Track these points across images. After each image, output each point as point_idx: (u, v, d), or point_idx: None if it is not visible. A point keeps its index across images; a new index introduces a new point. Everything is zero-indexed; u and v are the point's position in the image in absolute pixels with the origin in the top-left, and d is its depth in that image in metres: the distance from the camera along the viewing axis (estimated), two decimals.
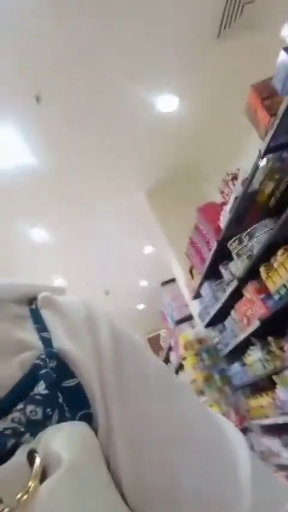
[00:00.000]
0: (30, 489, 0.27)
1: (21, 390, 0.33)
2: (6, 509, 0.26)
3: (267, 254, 2.86)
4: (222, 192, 3.16)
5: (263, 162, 2.63)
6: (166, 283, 6.12)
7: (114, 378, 0.36)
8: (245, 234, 3.04)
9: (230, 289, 3.43)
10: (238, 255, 3.19)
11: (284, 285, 2.73)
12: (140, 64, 3.82)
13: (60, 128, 4.14)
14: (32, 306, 0.42)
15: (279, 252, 2.69)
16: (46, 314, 0.40)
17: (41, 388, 0.33)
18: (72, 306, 0.41)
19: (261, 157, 2.48)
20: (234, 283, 3.35)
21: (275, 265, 2.78)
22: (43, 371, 0.34)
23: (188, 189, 5.23)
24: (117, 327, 0.40)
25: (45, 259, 6.25)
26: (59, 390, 0.34)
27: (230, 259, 3.39)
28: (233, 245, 3.21)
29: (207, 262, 3.74)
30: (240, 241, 3.11)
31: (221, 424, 0.39)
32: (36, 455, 0.28)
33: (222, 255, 3.49)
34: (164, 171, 5.27)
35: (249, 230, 3.00)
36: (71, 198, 5.26)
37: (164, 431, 0.35)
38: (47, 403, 0.32)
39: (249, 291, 3.18)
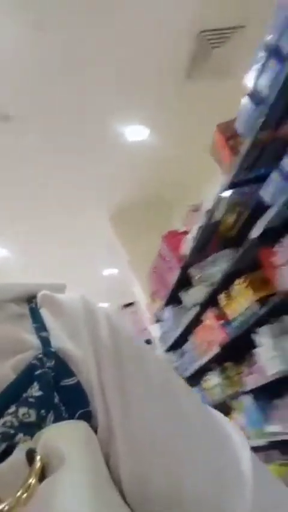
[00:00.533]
0: (31, 487, 0.27)
1: (14, 392, 0.33)
2: (6, 508, 0.26)
3: (226, 282, 3.00)
4: (185, 222, 3.30)
5: (225, 195, 2.79)
6: (127, 306, 6.18)
7: (115, 376, 0.36)
8: (206, 262, 3.17)
9: (190, 315, 3.54)
10: (199, 282, 3.31)
11: (242, 313, 2.86)
12: (112, 95, 3.97)
13: (29, 146, 4.18)
14: (32, 305, 0.41)
15: (238, 281, 2.83)
16: (45, 313, 0.40)
17: (34, 389, 0.33)
18: (72, 303, 0.41)
19: (223, 191, 2.64)
20: (195, 310, 3.46)
21: (234, 293, 2.92)
22: (38, 372, 0.34)
23: (153, 216, 5.38)
24: (116, 325, 0.40)
25: (3, 278, 6.13)
26: (56, 390, 0.34)
27: (191, 286, 3.51)
28: (194, 272, 3.33)
29: (169, 288, 3.84)
30: (202, 269, 3.24)
31: (223, 423, 0.39)
32: (36, 454, 0.28)
33: (184, 282, 3.61)
34: (130, 197, 5.40)
35: (210, 259, 3.14)
36: (33, 217, 5.27)
37: (166, 430, 0.35)
38: (41, 405, 0.32)
39: (209, 317, 3.30)
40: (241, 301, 2.83)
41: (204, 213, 3.02)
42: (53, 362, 0.35)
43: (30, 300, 0.42)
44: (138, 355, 0.39)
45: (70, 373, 0.35)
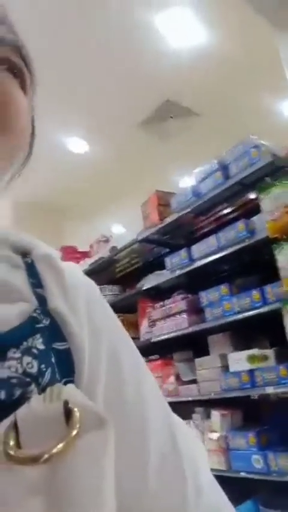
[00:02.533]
0: (72, 438, 0.25)
1: (19, 335, 0.31)
2: (46, 455, 0.25)
3: None
4: (91, 246, 3.63)
5: (134, 243, 3.23)
6: None
7: (109, 365, 0.36)
8: None
9: None
10: None
11: None
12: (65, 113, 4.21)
13: None
14: (27, 260, 0.39)
15: None
16: (43, 271, 0.38)
17: (38, 341, 0.32)
18: (75, 274, 0.40)
19: (137, 241, 3.08)
20: None
21: None
22: (40, 325, 0.33)
23: (50, 222, 5.58)
24: (111, 312, 0.41)
25: None
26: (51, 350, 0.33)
27: None
28: None
29: None
30: None
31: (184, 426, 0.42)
32: (72, 407, 0.27)
33: None
34: (39, 194, 5.52)
35: (98, 287, 3.50)
36: None
37: (142, 421, 0.37)
38: (43, 359, 0.31)
39: None
40: None
41: (110, 248, 3.41)
42: (48, 321, 0.34)
43: (25, 254, 0.40)
44: (131, 346, 0.41)
45: (63, 338, 0.34)
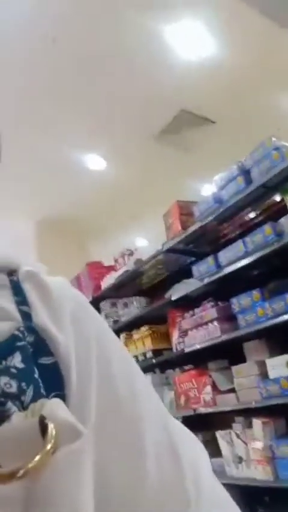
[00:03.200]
0: (48, 454, 0.25)
1: None
2: (22, 471, 0.25)
3: (132, 325, 3.38)
4: (116, 260, 3.65)
5: (159, 254, 3.23)
6: None
7: (99, 368, 0.37)
8: (121, 301, 3.53)
9: None
10: (106, 316, 3.64)
11: (136, 356, 3.25)
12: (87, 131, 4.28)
13: None
14: (13, 278, 0.39)
15: (143, 328, 3.24)
16: (28, 289, 0.38)
17: (16, 360, 0.32)
18: (59, 288, 0.40)
19: (161, 251, 3.08)
20: None
21: (135, 336, 3.31)
22: (21, 343, 0.33)
23: (74, 239, 5.64)
24: (104, 325, 0.41)
25: None
26: (35, 366, 0.33)
27: None
28: (105, 306, 3.66)
29: None
30: (113, 305, 3.59)
31: (183, 427, 0.42)
32: (48, 422, 0.27)
33: None
34: (60, 212, 5.60)
35: (123, 300, 3.51)
36: None
37: (137, 421, 0.37)
38: (22, 377, 0.31)
39: None
40: (139, 345, 3.23)
41: (135, 260, 3.41)
42: (33, 338, 0.34)
43: (11, 273, 0.40)
44: (123, 355, 0.41)
45: (49, 353, 0.35)
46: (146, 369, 3.23)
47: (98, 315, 0.42)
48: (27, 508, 0.25)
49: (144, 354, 3.20)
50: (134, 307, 3.43)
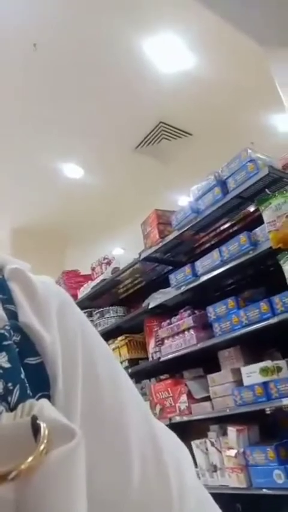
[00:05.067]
0: (41, 455, 0.25)
1: None
2: (14, 473, 0.24)
3: (109, 335, 3.36)
4: (93, 269, 3.63)
5: (136, 263, 3.24)
6: None
7: (85, 369, 0.37)
8: (97, 310, 3.51)
9: None
10: None
11: None
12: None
13: None
14: None
15: (120, 338, 3.22)
16: (14, 287, 0.38)
17: (2, 359, 0.32)
18: (46, 287, 0.40)
19: (138, 260, 3.09)
20: None
21: (112, 346, 3.28)
22: (7, 342, 0.33)
23: (50, 247, 5.59)
24: (85, 318, 0.41)
25: None
26: (21, 366, 0.33)
27: None
28: None
29: None
30: (90, 315, 3.56)
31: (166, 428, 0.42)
32: (40, 422, 0.27)
33: None
34: (37, 220, 5.56)
35: (102, 309, 3.49)
36: None
37: (122, 426, 0.37)
38: (9, 377, 0.31)
39: None
40: (115, 355, 3.20)
41: (113, 269, 3.41)
42: (19, 337, 0.34)
43: None
44: (108, 356, 0.40)
45: (35, 353, 0.34)
46: None
47: (81, 312, 0.42)
48: (20, 511, 0.24)
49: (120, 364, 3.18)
50: (111, 316, 3.42)
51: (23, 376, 0.32)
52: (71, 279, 3.87)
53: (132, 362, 3.13)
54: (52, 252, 5.45)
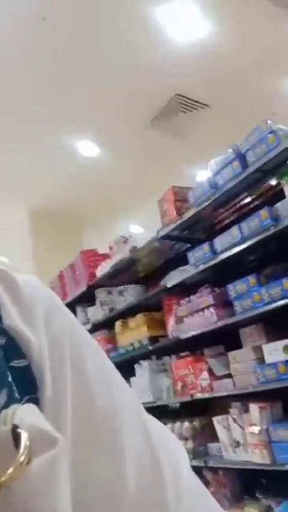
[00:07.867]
0: (22, 465, 0.24)
1: None
2: None
3: (127, 313, 3.37)
4: (110, 248, 3.62)
5: (154, 241, 3.20)
6: None
7: (74, 370, 0.35)
8: (114, 289, 3.51)
9: None
10: (101, 304, 3.62)
11: (132, 343, 3.25)
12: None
13: None
14: None
15: (139, 316, 3.23)
16: None
17: None
18: (31, 287, 0.38)
19: (156, 238, 3.05)
20: (86, 327, 3.74)
21: (131, 324, 3.30)
22: None
23: (67, 227, 5.59)
24: (77, 324, 0.40)
25: None
26: (7, 369, 0.32)
27: (90, 304, 3.80)
28: (100, 294, 3.64)
29: (68, 299, 4.06)
30: (109, 293, 3.56)
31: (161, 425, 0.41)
32: (21, 431, 0.26)
33: (85, 298, 3.87)
34: (54, 201, 5.54)
35: (120, 288, 3.48)
36: None
37: (115, 425, 0.35)
38: None
39: (97, 338, 3.60)
40: (136, 332, 3.22)
41: (131, 247, 3.39)
42: (4, 340, 0.33)
43: None
44: (97, 355, 0.39)
45: (21, 355, 0.33)
46: (143, 355, 3.23)
47: (70, 314, 0.40)
48: None
49: (140, 341, 3.19)
50: (130, 294, 3.41)
51: (10, 379, 0.31)
52: (89, 258, 3.87)
53: (153, 339, 3.14)
54: (70, 232, 5.45)
